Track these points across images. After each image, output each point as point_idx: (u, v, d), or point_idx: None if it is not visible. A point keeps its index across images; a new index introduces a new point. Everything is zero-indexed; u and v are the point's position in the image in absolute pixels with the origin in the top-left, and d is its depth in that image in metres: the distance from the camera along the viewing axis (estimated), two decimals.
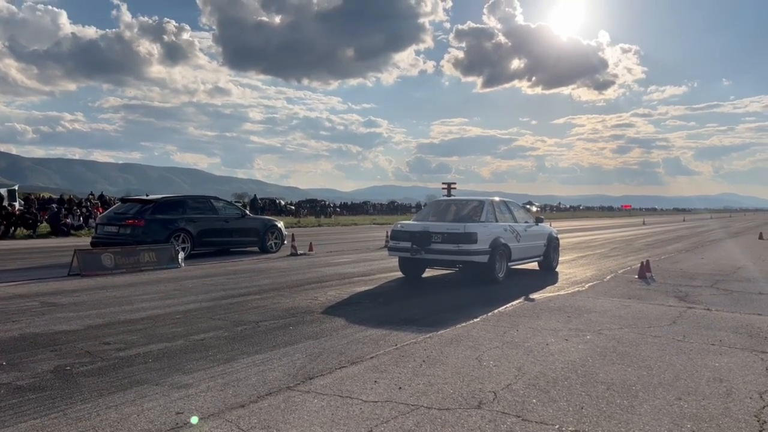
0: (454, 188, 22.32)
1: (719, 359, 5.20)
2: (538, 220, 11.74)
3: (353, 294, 8.79)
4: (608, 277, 11.02)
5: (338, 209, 65.79)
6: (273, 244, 15.85)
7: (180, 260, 12.45)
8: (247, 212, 15.94)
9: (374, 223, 40.00)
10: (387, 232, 14.65)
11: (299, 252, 15.31)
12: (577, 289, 9.56)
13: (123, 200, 15.27)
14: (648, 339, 5.95)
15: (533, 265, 12.03)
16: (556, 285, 9.95)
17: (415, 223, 9.98)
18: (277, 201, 60.36)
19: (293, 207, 59.63)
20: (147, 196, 15.15)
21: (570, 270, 12.33)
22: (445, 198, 11.25)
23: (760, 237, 23.83)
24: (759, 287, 9.76)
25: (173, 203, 13.96)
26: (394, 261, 12.82)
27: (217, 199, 15.36)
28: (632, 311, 7.51)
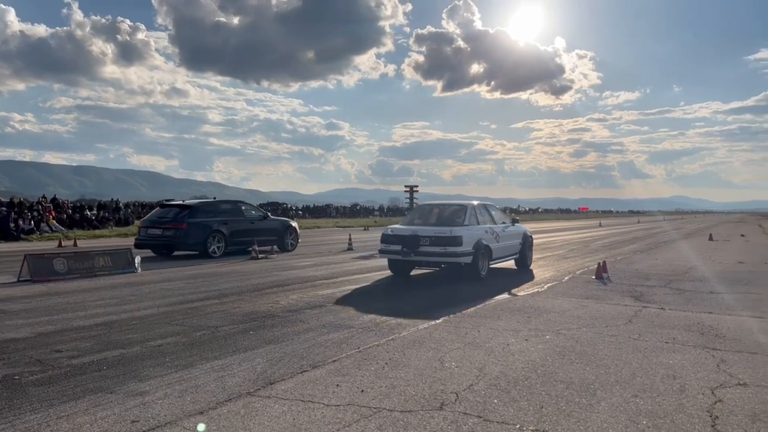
0: (417, 191, 22.39)
1: (673, 357, 5.35)
2: (514, 221, 12.59)
3: (315, 297, 8.72)
4: (566, 278, 11.23)
5: (300, 212, 65.31)
6: (290, 243, 17.18)
7: (137, 264, 12.14)
8: (269, 214, 17.25)
9: (337, 226, 39.87)
10: (349, 235, 18.04)
11: (260, 256, 15.12)
12: (536, 289, 9.72)
13: (162, 205, 16.69)
14: (605, 338, 6.08)
15: (510, 263, 12.69)
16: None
17: (405, 227, 10.68)
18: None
19: None
20: (183, 201, 16.70)
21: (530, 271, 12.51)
22: (430, 203, 12.13)
23: (710, 238, 24.69)
24: (710, 286, 10.09)
25: (209, 207, 15.54)
26: (358, 264, 12.91)
27: (243, 203, 17.16)
28: (590, 311, 7.67)
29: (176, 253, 15.33)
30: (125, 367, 4.91)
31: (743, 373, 4.85)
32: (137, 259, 12.38)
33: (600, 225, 46.92)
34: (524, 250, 12.60)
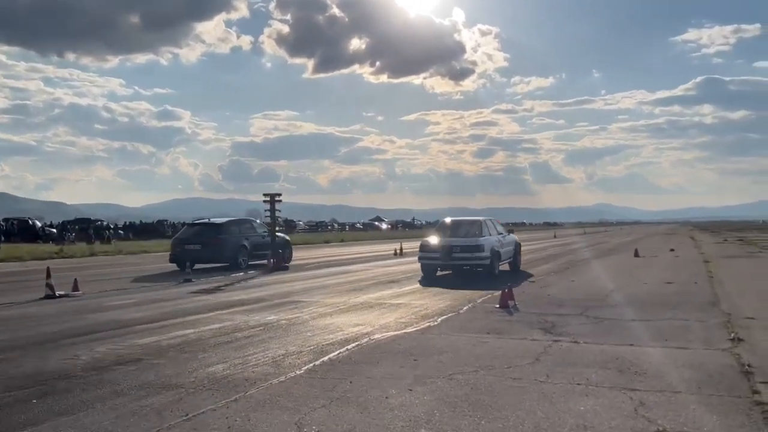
0: (280, 201, 22.13)
1: (585, 402, 5.65)
2: (510, 232, 20.03)
3: (132, 348, 8.33)
4: (465, 308, 11.62)
5: (121, 231, 62.53)
6: (288, 257, 24.26)
7: None
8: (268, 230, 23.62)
9: None
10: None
11: (59, 293, 14.20)
12: (427, 324, 9.93)
13: (191, 224, 24.44)
14: (507, 382, 6.31)
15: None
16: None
17: (440, 239, 18.01)
18: (31, 221, 55.62)
19: (54, 230, 55.25)
20: (209, 219, 24.45)
21: (420, 301, 12.81)
22: (453, 219, 20.42)
23: (636, 254, 26.72)
24: (632, 313, 10.84)
25: (233, 225, 23.22)
26: (197, 301, 12.88)
27: (254, 220, 25.54)
28: (491, 349, 7.95)
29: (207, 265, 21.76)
30: None
31: (664, 417, 5.22)
32: None
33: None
34: (516, 255, 20.10)
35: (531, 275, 18.27)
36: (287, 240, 25.37)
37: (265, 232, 23.72)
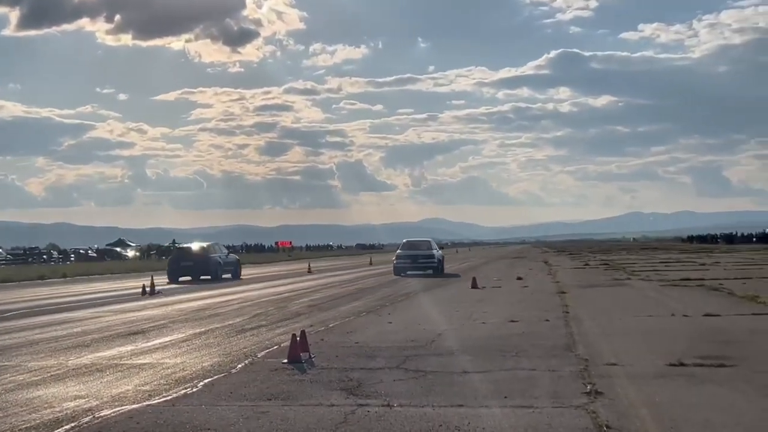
0: None
1: None
2: (440, 248, 50.50)
3: None
4: (240, 366, 11.57)
5: None
6: (240, 273, 45.13)
7: None
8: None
9: None
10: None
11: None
12: (183, 391, 9.77)
13: (182, 248, 47.97)
14: None
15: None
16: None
17: (409, 252, 43.27)
18: None
19: None
20: (188, 244, 50.07)
21: (176, 359, 12.57)
22: (413, 239, 47.26)
23: (474, 285, 27.93)
24: (464, 363, 11.26)
25: (211, 246, 44.04)
26: None
27: (218, 243, 47.56)
28: (271, 422, 7.96)
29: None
30: None
31: None
32: None
33: (309, 270, 49.90)
34: (442, 263, 44.19)
35: (335, 316, 18.55)
36: (238, 259, 41.28)
37: (228, 252, 44.59)
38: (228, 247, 49.04)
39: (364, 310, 20.62)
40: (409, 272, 41.16)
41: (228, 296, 27.81)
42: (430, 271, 41.47)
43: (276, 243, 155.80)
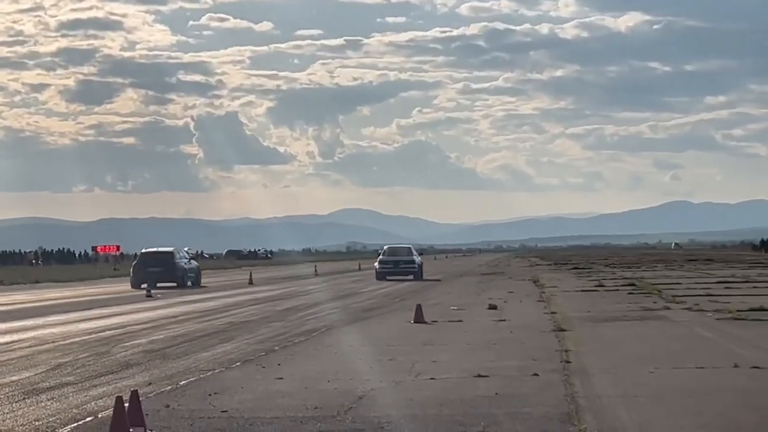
0: None
1: None
2: (420, 254, 66.82)
3: None
4: None
5: None
6: (200, 280, 53.64)
7: None
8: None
9: None
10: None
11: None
12: None
13: (147, 253, 51.83)
14: None
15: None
16: None
17: (390, 258, 56.93)
18: None
19: None
20: (160, 248, 55.58)
21: None
22: (394, 245, 63.26)
23: (419, 318, 21.97)
24: None
25: (177, 252, 51.83)
26: None
27: (182, 249, 56.36)
28: None
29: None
30: None
31: None
32: None
33: (149, 295, 38.39)
34: (421, 269, 55.74)
35: (190, 368, 14.20)
36: (198, 266, 56.86)
37: (190, 260, 53.47)
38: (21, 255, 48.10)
39: (238, 357, 15.98)
40: (389, 277, 50.22)
41: (13, 335, 22.22)
42: (410, 276, 50.88)
43: (94, 248, 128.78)
